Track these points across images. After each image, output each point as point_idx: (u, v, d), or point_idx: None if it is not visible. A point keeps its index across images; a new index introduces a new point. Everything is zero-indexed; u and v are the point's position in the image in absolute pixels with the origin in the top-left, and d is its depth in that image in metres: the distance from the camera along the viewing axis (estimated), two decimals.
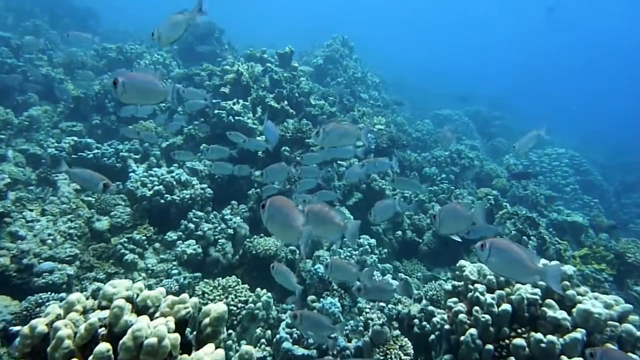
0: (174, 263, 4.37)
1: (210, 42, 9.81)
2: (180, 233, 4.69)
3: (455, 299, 2.51)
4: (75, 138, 5.42)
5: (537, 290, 2.25)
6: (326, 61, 9.87)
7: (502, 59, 40.52)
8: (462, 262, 2.66)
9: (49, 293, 2.96)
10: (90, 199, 4.76)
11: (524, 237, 5.06)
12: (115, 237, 4.45)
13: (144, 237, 4.48)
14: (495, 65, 37.05)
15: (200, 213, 4.90)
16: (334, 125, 3.22)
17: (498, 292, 2.32)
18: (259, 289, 4.04)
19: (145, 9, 22.40)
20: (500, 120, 15.18)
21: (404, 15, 46.94)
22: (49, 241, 3.51)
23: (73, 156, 5.20)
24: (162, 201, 4.81)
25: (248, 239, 5.02)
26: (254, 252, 4.88)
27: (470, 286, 2.44)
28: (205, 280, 4.45)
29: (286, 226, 2.14)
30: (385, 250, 5.35)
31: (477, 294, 2.34)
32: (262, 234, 5.13)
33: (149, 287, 4.00)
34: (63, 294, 2.94)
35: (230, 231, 4.95)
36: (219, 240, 4.83)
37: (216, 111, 6.09)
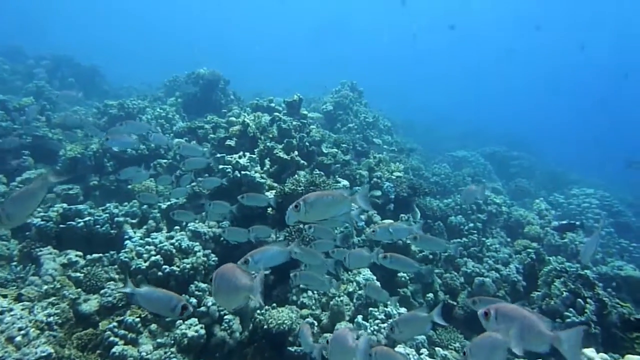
0: (172, 350, 3.70)
1: (215, 93, 9.53)
2: None
3: None
4: (65, 205, 4.91)
5: None
6: (336, 107, 9.48)
7: (511, 97, 40.55)
8: None
9: None
10: (78, 274, 4.18)
11: (579, 300, 4.32)
12: (104, 321, 3.82)
13: (138, 319, 3.84)
14: (505, 103, 37.00)
15: (203, 285, 4.29)
16: (317, 195, 2.57)
17: None
18: None
19: (151, 67, 22.79)
20: (518, 160, 14.57)
21: (404, 59, 47.66)
22: (19, 338, 2.90)
23: (61, 225, 4.66)
24: (160, 273, 4.21)
25: (259, 311, 4.38)
26: (265, 327, 4.24)
27: None
28: None
29: (230, 290, 2.10)
30: None
31: None
32: (274, 304, 4.49)
33: None
34: None
35: None
36: (225, 317, 4.18)
37: (221, 166, 5.60)
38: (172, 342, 3.81)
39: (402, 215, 6.05)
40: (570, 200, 10.33)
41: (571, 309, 4.35)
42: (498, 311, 1.83)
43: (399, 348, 3.89)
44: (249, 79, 19.57)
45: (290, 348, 4.22)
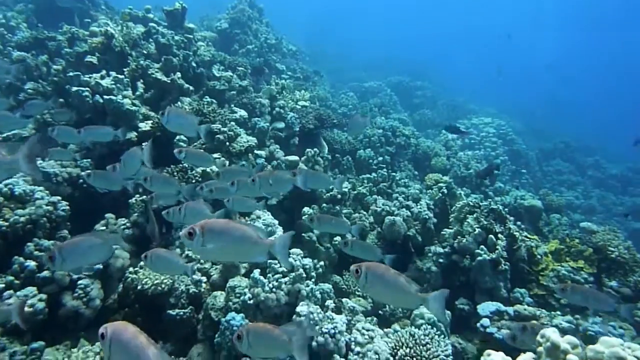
0: None
1: (81, 1, 7.64)
2: (12, 278, 3.00)
3: None
4: None
5: None
6: (232, 25, 8.15)
7: (418, 26, 40.70)
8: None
9: None
10: None
11: (491, 237, 4.05)
12: None
13: None
14: (412, 32, 37.12)
15: (47, 242, 3.24)
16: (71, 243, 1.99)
17: None
18: None
19: None
20: (422, 91, 14.49)
21: None
22: None
23: None
24: None
25: (130, 270, 3.49)
26: (138, 288, 3.40)
27: None
28: (55, 348, 2.89)
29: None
30: (322, 263, 4.02)
31: None
32: None
33: None
34: None
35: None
36: (79, 282, 3.23)
37: (75, 89, 4.31)
38: None
39: (307, 150, 5.33)
40: (470, 130, 10.45)
41: (483, 247, 4.09)
42: (368, 269, 1.83)
43: (302, 306, 3.29)
44: None
45: (171, 311, 3.45)
